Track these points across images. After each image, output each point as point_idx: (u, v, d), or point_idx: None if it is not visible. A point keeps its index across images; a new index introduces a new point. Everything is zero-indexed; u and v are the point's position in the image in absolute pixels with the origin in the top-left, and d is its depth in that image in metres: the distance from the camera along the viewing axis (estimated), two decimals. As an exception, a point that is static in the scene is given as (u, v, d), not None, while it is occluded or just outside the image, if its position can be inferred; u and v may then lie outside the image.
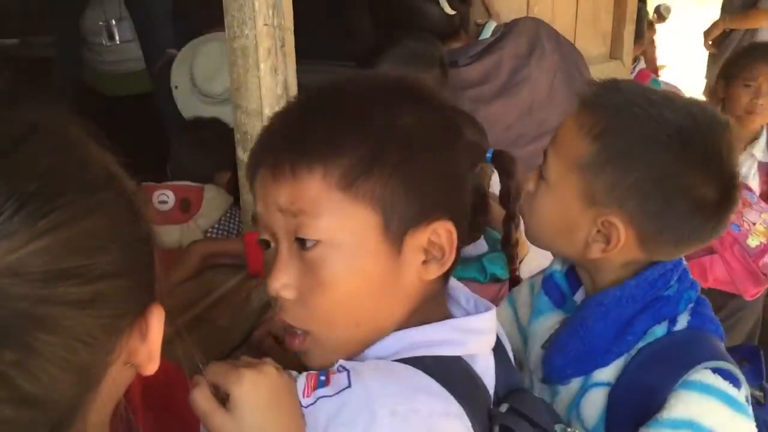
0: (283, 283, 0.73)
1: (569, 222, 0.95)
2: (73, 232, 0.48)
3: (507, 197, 1.11)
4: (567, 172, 0.94)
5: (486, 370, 0.81)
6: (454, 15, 1.90)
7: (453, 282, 0.85)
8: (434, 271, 0.75)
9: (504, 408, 0.82)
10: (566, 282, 1.06)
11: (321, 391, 0.69)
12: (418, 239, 0.73)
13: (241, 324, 1.17)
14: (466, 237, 0.81)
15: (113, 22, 2.93)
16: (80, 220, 0.48)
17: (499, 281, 1.33)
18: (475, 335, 0.80)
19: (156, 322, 0.56)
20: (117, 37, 2.94)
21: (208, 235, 1.73)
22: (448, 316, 0.81)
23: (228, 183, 1.84)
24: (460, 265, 1.28)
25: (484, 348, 0.82)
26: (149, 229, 0.56)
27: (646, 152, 0.90)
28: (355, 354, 0.76)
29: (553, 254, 1.07)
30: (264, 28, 1.12)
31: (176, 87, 2.23)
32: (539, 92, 1.89)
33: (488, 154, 1.17)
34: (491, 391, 0.82)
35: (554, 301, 1.06)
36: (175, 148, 1.98)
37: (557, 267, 1.08)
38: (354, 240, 0.71)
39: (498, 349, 0.87)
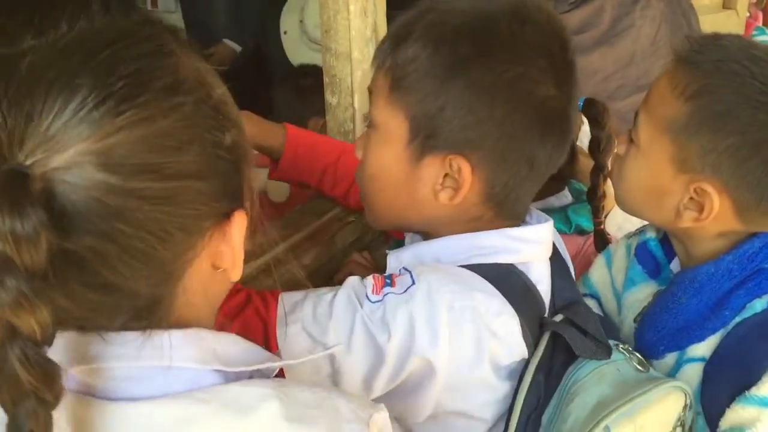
0: (358, 146, 0.90)
1: (659, 188, 0.91)
2: (150, 130, 0.50)
3: (597, 148, 1.08)
4: (658, 135, 0.89)
5: (540, 279, 0.87)
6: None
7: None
8: (446, 198, 0.83)
9: (559, 318, 0.86)
10: (662, 250, 1.02)
11: (388, 289, 0.80)
12: (435, 164, 0.82)
13: (325, 265, 1.19)
14: (522, 182, 0.84)
15: None
16: (158, 119, 0.50)
17: (584, 233, 1.30)
18: (528, 244, 0.86)
19: (237, 227, 0.58)
20: (159, 4, 2.87)
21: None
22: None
23: (321, 129, 1.85)
24: (546, 216, 1.26)
25: (539, 257, 0.87)
26: (238, 140, 0.57)
27: (744, 114, 0.83)
28: (403, 227, 0.93)
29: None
30: (355, -32, 1.11)
31: (285, 32, 2.25)
32: (642, 42, 1.80)
33: (579, 103, 1.14)
34: (546, 299, 0.87)
35: (648, 271, 1.02)
36: (276, 95, 2.00)
37: (652, 234, 1.03)
38: (386, 136, 0.83)
39: (557, 263, 0.92)
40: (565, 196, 1.32)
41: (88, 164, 0.48)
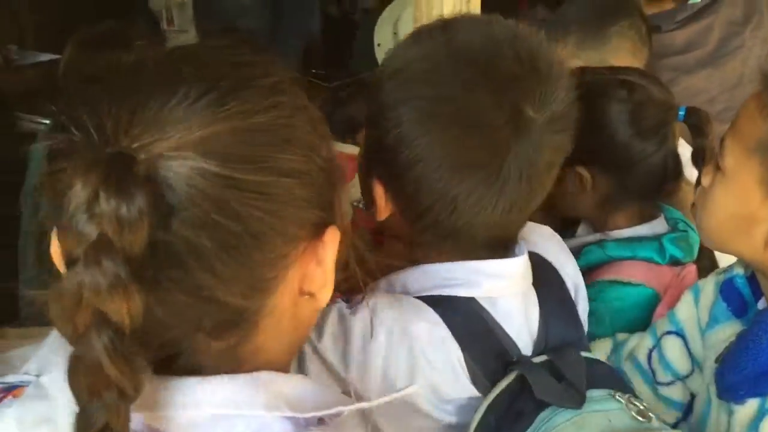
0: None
1: (747, 216, 0.85)
2: (251, 123, 0.51)
3: (701, 158, 1.04)
4: (746, 158, 0.84)
5: (509, 316, 0.82)
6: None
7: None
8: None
9: (540, 359, 0.82)
10: (749, 288, 0.96)
11: (341, 303, 0.80)
12: None
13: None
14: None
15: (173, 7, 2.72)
16: (259, 113, 0.51)
17: (678, 263, 1.23)
18: (491, 278, 0.81)
19: (330, 245, 0.57)
20: (175, 23, 2.77)
21: (354, 205, 1.74)
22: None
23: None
24: (636, 243, 1.21)
25: (507, 292, 0.83)
26: (333, 157, 0.58)
27: None
28: None
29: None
30: (451, -20, 1.10)
31: (378, 44, 2.28)
32: (752, 64, 1.71)
33: (681, 113, 1.09)
34: (521, 337, 0.83)
35: (733, 310, 0.96)
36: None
37: (740, 270, 0.97)
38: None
39: (555, 301, 0.88)
40: (660, 225, 1.26)
41: (190, 151, 0.48)
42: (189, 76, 0.51)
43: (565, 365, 0.80)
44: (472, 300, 0.82)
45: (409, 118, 0.76)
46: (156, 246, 0.47)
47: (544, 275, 0.89)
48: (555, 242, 0.98)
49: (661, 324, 1.09)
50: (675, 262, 1.24)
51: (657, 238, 1.24)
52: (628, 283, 1.21)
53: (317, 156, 0.55)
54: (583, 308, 0.95)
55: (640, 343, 1.11)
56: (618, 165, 1.22)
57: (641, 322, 1.19)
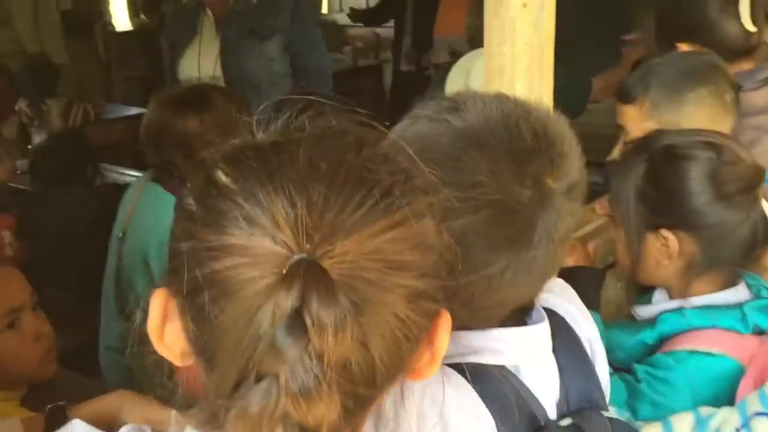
0: None
1: None
2: (417, 228, 0.51)
3: None
4: None
5: (536, 381, 0.82)
6: (754, 33, 1.70)
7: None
8: None
9: (566, 422, 0.81)
10: None
11: None
12: None
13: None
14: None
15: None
16: (420, 218, 0.52)
17: (763, 333, 1.18)
18: (517, 347, 0.81)
19: (445, 328, 0.58)
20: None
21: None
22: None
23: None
24: (718, 311, 1.17)
25: (530, 358, 0.82)
26: (450, 243, 0.58)
27: None
28: None
29: None
30: (524, 47, 1.10)
31: (451, 96, 2.32)
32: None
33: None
34: (549, 401, 0.82)
35: None
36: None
37: None
38: None
39: (573, 358, 0.86)
40: (742, 291, 1.22)
41: (368, 258, 0.49)
42: (363, 174, 0.51)
43: (590, 428, 0.80)
44: (499, 367, 0.81)
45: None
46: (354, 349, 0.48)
47: (559, 333, 0.87)
48: (568, 296, 0.95)
49: (752, 402, 1.04)
50: (759, 332, 1.18)
51: (739, 305, 1.19)
52: (710, 354, 1.17)
53: (447, 247, 0.56)
54: (601, 365, 0.92)
55: (727, 420, 1.05)
56: (705, 230, 1.19)
57: (724, 395, 1.14)
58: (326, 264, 0.47)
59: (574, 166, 0.79)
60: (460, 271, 0.75)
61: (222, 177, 0.51)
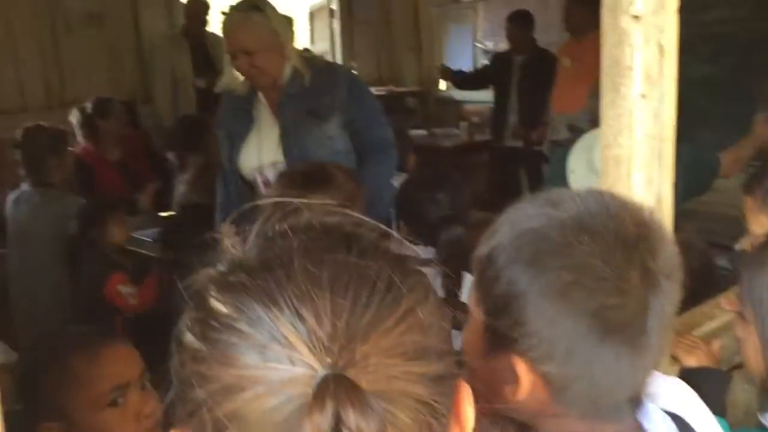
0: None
1: None
2: (425, 311, 0.51)
3: None
4: None
5: None
6: None
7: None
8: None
9: None
10: None
11: None
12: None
13: None
14: None
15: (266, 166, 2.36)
16: (426, 300, 0.52)
17: None
18: None
19: (467, 396, 0.56)
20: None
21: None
22: None
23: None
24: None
25: None
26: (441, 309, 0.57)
27: None
28: None
29: None
30: (643, 139, 1.07)
31: (573, 172, 2.28)
32: None
33: None
34: None
35: None
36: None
37: None
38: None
39: None
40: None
41: (391, 355, 0.48)
42: (362, 270, 0.49)
43: None
44: None
45: (547, 294, 0.77)
46: None
47: None
48: (691, 400, 0.92)
49: None
50: None
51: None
52: None
53: (446, 322, 0.55)
54: None
55: None
56: None
57: None
58: (352, 374, 0.46)
59: (670, 251, 0.80)
60: (575, 362, 0.75)
61: (220, 307, 0.49)
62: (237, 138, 2.37)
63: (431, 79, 7.15)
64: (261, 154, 2.33)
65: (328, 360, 0.46)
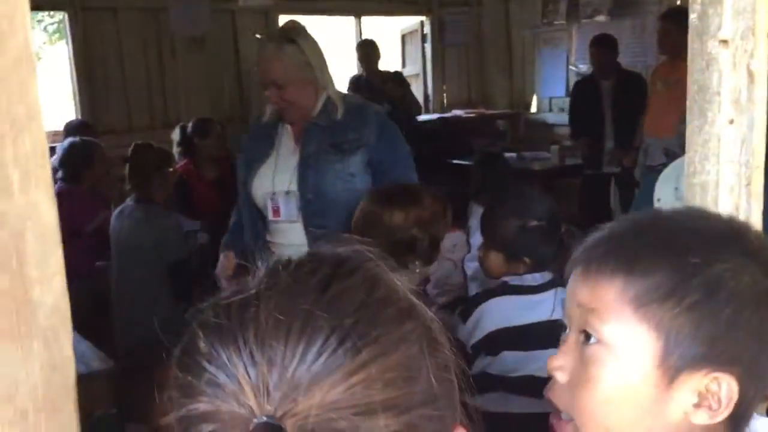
0: (560, 364, 0.79)
1: None
2: (388, 363, 0.50)
3: None
4: None
5: None
6: None
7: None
8: (703, 418, 0.72)
9: None
10: None
11: None
12: (695, 382, 0.72)
13: None
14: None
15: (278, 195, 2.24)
16: (393, 351, 0.51)
17: None
18: None
19: None
20: (282, 213, 2.24)
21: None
22: None
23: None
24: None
25: None
26: (450, 357, 0.57)
27: None
28: None
29: None
30: (729, 166, 1.04)
31: (659, 200, 2.22)
32: None
33: None
34: None
35: None
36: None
37: None
38: (629, 355, 0.74)
39: None
40: None
41: (333, 408, 0.48)
42: (320, 322, 0.50)
43: None
44: None
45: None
46: None
47: None
48: None
49: None
50: None
51: None
52: None
53: (440, 369, 0.55)
54: None
55: None
56: None
57: None
58: (288, 423, 0.47)
59: None
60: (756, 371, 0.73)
61: (200, 343, 0.52)
62: (254, 163, 2.28)
63: (522, 101, 7.10)
64: (275, 180, 2.23)
65: (268, 407, 0.48)
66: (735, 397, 0.72)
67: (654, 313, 0.73)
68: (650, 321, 0.74)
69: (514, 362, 1.79)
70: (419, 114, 6.46)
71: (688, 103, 1.08)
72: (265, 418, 0.48)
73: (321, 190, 2.16)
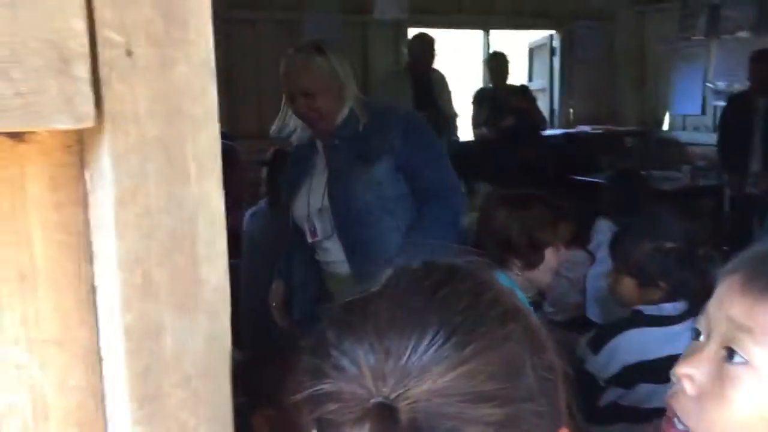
0: (689, 373, 0.77)
1: None
2: (492, 358, 0.55)
3: None
4: None
5: None
6: None
7: None
8: None
9: None
10: None
11: None
12: None
13: None
14: None
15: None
16: (497, 347, 0.55)
17: None
18: None
19: None
20: (318, 233, 2.28)
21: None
22: None
23: None
24: None
25: None
26: (554, 361, 0.60)
27: None
28: None
29: None
30: None
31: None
32: None
33: None
34: None
35: None
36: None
37: None
38: None
39: None
40: None
41: (440, 395, 0.54)
42: (431, 318, 0.56)
43: None
44: None
45: None
46: None
47: None
48: None
49: None
50: None
51: None
52: None
53: (545, 370, 0.58)
54: None
55: None
56: None
57: None
58: (401, 405, 0.53)
59: None
60: None
61: (329, 333, 0.59)
62: (294, 187, 2.34)
63: (654, 118, 6.87)
64: (310, 201, 2.27)
65: (384, 390, 0.54)
66: None
67: None
68: None
69: (647, 394, 1.74)
70: (544, 129, 6.38)
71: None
72: (381, 399, 0.54)
73: (351, 204, 2.17)
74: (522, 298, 1.26)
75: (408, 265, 0.63)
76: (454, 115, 5.66)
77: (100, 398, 0.57)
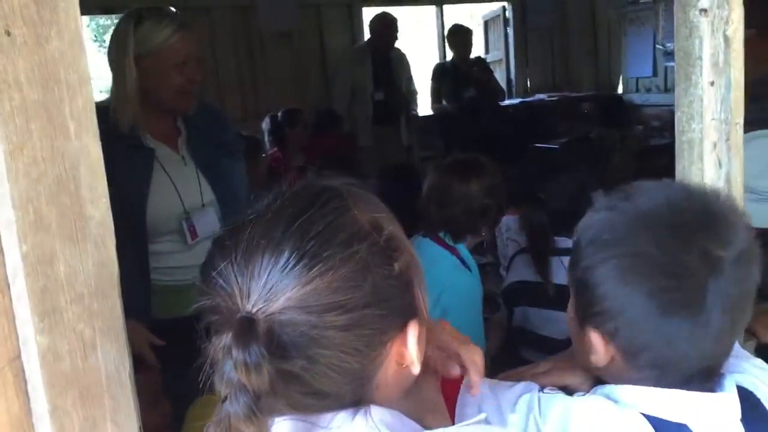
0: None
1: None
2: (334, 277, 0.67)
3: None
4: None
5: None
6: None
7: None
8: None
9: None
10: None
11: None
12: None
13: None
14: None
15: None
16: (340, 267, 0.67)
17: None
18: (700, 411, 0.87)
19: (412, 335, 0.73)
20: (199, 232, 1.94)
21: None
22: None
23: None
24: None
25: (712, 425, 0.87)
26: (406, 264, 0.72)
27: None
28: None
29: None
30: (711, 123, 1.14)
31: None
32: None
33: None
34: None
35: None
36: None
37: None
38: None
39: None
40: None
41: (293, 308, 0.66)
42: (286, 245, 0.67)
43: None
44: (683, 426, 0.86)
45: (611, 277, 0.88)
46: (282, 375, 0.66)
47: (751, 412, 0.87)
48: (765, 376, 0.94)
49: None
50: None
51: None
52: None
53: (391, 279, 0.70)
54: None
55: None
56: None
57: None
58: (260, 318, 0.65)
59: (740, 236, 0.86)
60: (640, 333, 0.87)
61: (212, 257, 0.71)
62: (131, 188, 1.92)
63: (608, 82, 7.03)
64: (183, 198, 1.95)
65: (248, 306, 0.66)
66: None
67: None
68: None
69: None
70: (503, 99, 6.50)
71: (676, 68, 1.19)
72: (244, 314, 0.66)
73: (234, 196, 1.98)
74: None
75: (284, 190, 0.73)
76: (414, 92, 5.75)
77: (12, 317, 0.70)
